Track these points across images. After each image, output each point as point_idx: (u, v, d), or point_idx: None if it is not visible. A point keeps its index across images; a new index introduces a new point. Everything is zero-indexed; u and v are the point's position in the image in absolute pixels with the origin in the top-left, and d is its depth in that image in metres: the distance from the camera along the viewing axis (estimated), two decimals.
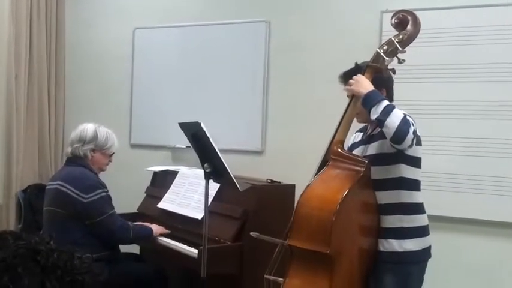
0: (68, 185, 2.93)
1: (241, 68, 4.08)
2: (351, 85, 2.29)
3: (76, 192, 2.91)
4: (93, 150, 3.09)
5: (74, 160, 3.08)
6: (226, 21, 4.13)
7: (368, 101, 2.20)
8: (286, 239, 2.30)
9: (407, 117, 2.14)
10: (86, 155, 3.07)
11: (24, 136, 4.46)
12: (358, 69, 2.38)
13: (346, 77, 2.42)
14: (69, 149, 3.11)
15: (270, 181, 3.56)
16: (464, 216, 3.35)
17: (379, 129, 2.27)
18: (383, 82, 2.37)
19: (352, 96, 2.32)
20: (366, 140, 2.43)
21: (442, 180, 3.35)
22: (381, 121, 2.13)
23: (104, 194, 2.99)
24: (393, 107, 2.14)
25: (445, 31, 3.36)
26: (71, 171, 3.04)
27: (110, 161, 3.21)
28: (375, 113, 2.15)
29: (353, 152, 2.45)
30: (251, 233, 2.55)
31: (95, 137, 3.09)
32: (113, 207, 3.04)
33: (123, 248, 3.29)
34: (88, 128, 3.11)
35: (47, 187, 3.10)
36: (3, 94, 4.22)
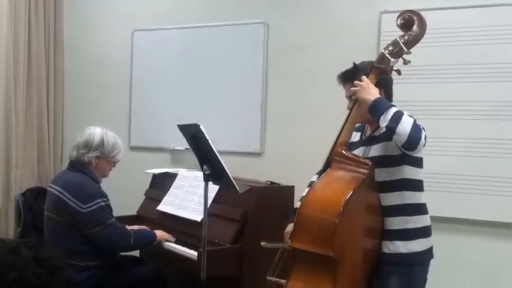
0: (67, 194, 2.89)
1: (240, 70, 4.07)
2: (354, 90, 2.24)
3: (74, 201, 2.86)
4: (98, 158, 3.01)
5: (77, 166, 3.02)
6: (224, 22, 4.13)
7: (376, 109, 2.16)
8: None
9: (417, 122, 2.12)
10: (91, 162, 3.00)
11: (23, 139, 4.45)
12: (356, 69, 2.35)
13: (345, 78, 2.39)
14: (74, 153, 3.03)
15: (269, 183, 3.56)
16: (466, 217, 3.33)
17: (382, 131, 2.25)
18: (383, 83, 2.34)
19: (356, 99, 2.28)
20: (367, 141, 2.40)
21: (446, 181, 3.34)
22: (391, 129, 2.09)
23: (103, 203, 2.92)
24: (402, 113, 2.11)
25: (447, 31, 3.34)
26: (72, 178, 2.98)
27: (113, 166, 3.16)
28: (384, 121, 2.12)
29: (352, 152, 2.42)
30: (262, 243, 2.51)
31: (101, 144, 3.00)
32: (112, 217, 2.97)
33: None
34: (95, 133, 3.02)
35: (49, 189, 3.06)
36: (2, 97, 4.21)
